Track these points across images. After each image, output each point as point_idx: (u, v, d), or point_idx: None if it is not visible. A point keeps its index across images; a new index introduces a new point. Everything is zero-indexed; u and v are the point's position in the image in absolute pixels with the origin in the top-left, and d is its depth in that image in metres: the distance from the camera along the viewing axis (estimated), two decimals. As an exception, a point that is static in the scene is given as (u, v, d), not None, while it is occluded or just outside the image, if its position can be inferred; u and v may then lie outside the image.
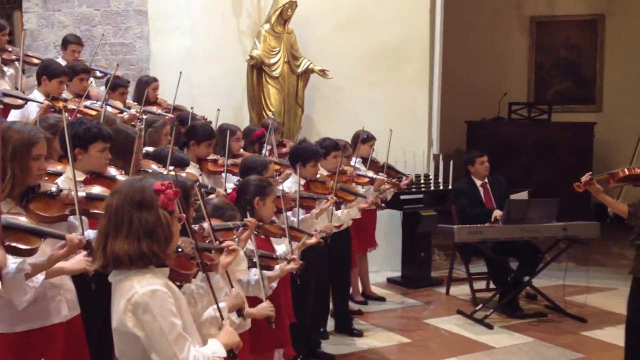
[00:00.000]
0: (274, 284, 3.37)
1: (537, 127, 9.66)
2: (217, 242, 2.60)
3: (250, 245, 3.03)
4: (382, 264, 6.96)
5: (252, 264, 3.00)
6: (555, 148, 9.42)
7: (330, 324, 5.28)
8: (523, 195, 5.75)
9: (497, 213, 5.72)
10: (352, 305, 5.82)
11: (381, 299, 6.18)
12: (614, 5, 10.08)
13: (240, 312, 2.60)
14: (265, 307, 2.90)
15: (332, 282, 5.15)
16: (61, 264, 2.48)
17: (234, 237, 2.84)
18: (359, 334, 5.22)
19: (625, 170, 3.87)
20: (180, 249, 2.19)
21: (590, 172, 4.04)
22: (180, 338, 1.97)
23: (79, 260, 2.49)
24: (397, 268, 6.85)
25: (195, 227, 2.63)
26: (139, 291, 1.95)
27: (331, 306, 5.28)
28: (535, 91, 10.61)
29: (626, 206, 3.85)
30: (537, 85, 10.60)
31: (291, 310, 4.06)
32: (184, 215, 2.11)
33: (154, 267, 2.02)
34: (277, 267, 3.22)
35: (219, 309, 2.23)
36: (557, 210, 5.63)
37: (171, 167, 3.38)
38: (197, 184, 3.68)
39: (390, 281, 6.79)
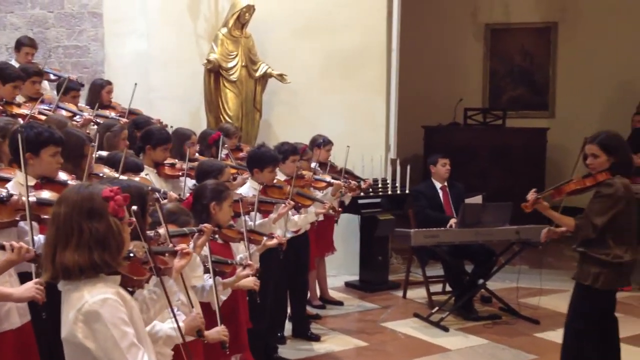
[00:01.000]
0: (229, 290, 3.35)
1: (492, 133, 9.82)
2: (172, 246, 2.58)
3: (205, 250, 3.01)
4: (340, 268, 6.98)
5: (206, 270, 2.98)
6: (510, 153, 9.59)
7: (288, 329, 5.27)
8: (477, 199, 5.84)
9: (452, 222, 5.81)
10: (310, 310, 5.83)
11: (339, 303, 6.20)
12: (567, 13, 10.33)
13: (199, 332, 2.58)
14: (219, 332, 2.87)
15: (290, 287, 5.15)
16: (9, 291, 2.43)
17: (190, 243, 2.81)
18: (317, 338, 5.22)
19: (571, 184, 3.88)
20: (132, 254, 2.16)
21: (535, 190, 4.01)
22: (132, 347, 1.94)
23: (28, 288, 2.44)
24: (355, 272, 6.89)
25: (151, 233, 2.60)
26: (89, 300, 1.91)
27: (289, 311, 5.29)
28: (490, 97, 10.80)
29: (572, 220, 3.87)
30: (492, 91, 10.79)
31: (247, 315, 4.05)
32: (134, 220, 2.08)
33: (105, 275, 1.99)
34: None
35: (173, 314, 2.20)
36: (510, 214, 5.74)
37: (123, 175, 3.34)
38: (150, 188, 3.67)
39: (348, 285, 6.82)
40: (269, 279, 4.43)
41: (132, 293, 2.12)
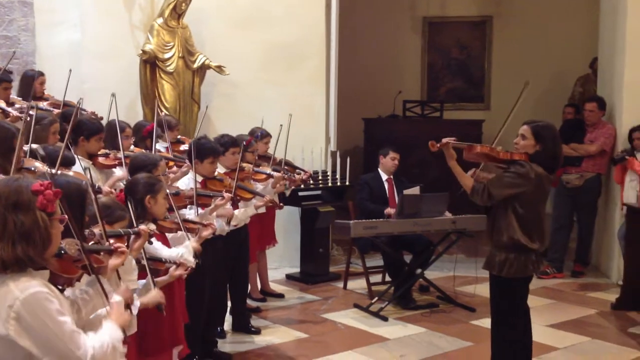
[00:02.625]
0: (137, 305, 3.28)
1: (430, 125, 9.96)
2: (108, 244, 2.53)
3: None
4: (281, 261, 6.99)
5: (141, 268, 2.94)
6: (447, 144, 9.75)
7: (229, 323, 5.25)
8: (415, 190, 5.93)
9: (389, 211, 5.88)
10: (251, 303, 5.81)
11: (280, 296, 6.20)
12: (502, 7, 10.58)
13: (128, 306, 2.54)
14: (155, 296, 2.86)
15: (230, 281, 5.11)
16: None
17: (125, 244, 2.76)
18: (257, 331, 5.21)
19: (486, 147, 3.80)
20: (63, 251, 2.11)
21: (454, 138, 3.92)
22: (73, 334, 1.92)
23: None
24: (296, 264, 6.90)
25: (86, 231, 2.54)
26: (20, 297, 1.86)
27: (229, 305, 5.25)
28: (428, 89, 10.97)
29: (472, 181, 3.83)
30: (429, 83, 10.97)
31: (184, 310, 4.01)
32: (66, 217, 2.03)
33: (32, 270, 1.94)
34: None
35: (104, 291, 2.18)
36: (447, 204, 5.86)
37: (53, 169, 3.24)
38: (92, 185, 3.58)
39: (289, 277, 6.83)
40: (206, 274, 4.40)
41: (61, 291, 2.07)
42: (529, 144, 3.79)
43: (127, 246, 2.65)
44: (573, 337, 5.21)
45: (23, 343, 1.87)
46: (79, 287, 2.27)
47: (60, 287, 2.06)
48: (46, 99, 5.90)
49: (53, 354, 1.89)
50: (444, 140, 3.89)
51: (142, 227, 2.86)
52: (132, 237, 2.78)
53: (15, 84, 6.02)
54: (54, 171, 3.13)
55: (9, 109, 4.91)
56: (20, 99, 5.40)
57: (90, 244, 2.44)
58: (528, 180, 3.73)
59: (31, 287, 1.89)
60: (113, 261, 2.42)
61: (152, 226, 3.39)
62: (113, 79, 6.87)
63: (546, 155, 3.78)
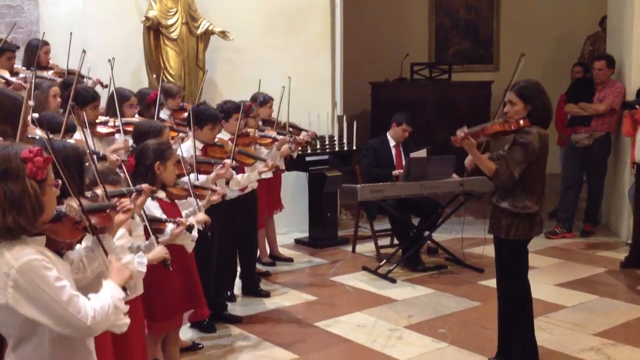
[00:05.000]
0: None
1: (438, 87, 9.90)
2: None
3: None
4: (290, 226, 7.01)
5: (142, 229, 2.96)
6: (456, 107, 9.70)
7: (239, 287, 5.29)
8: (422, 153, 5.90)
9: (397, 172, 5.87)
10: (260, 267, 5.86)
11: (289, 260, 6.24)
12: (510, -35, 10.40)
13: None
14: (159, 251, 2.90)
15: (239, 246, 5.15)
16: None
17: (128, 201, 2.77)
18: (267, 294, 5.26)
19: (496, 126, 3.79)
20: (62, 215, 2.10)
21: (467, 125, 3.88)
22: (73, 298, 1.92)
23: None
24: (305, 229, 6.93)
25: (88, 193, 2.55)
26: (15, 265, 1.87)
27: (239, 269, 5.29)
28: (436, 52, 10.85)
29: (494, 164, 3.79)
30: (437, 45, 10.85)
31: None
32: (59, 182, 2.02)
33: (27, 237, 1.94)
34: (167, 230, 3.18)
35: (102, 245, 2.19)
36: (454, 167, 5.83)
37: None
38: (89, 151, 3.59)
39: (298, 242, 6.86)
40: (214, 240, 4.43)
41: (61, 255, 2.08)
42: (520, 108, 3.73)
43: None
44: (581, 295, 5.23)
45: (22, 310, 1.88)
46: (84, 244, 2.28)
47: (60, 251, 2.07)
48: (51, 68, 5.89)
49: (54, 319, 1.90)
50: (459, 134, 3.80)
51: (144, 185, 2.88)
52: (134, 195, 2.79)
53: (21, 53, 6.01)
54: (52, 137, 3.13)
55: (12, 79, 4.91)
56: (25, 68, 5.39)
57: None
58: (535, 147, 3.69)
59: (25, 255, 1.89)
60: (119, 218, 2.43)
61: (162, 193, 3.41)
62: (117, 46, 6.83)
63: (539, 112, 3.73)
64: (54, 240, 2.06)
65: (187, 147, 4.34)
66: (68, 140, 3.31)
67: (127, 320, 2.12)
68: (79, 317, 1.91)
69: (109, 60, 4.98)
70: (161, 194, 3.38)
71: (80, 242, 2.20)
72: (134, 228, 2.85)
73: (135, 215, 2.85)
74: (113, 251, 2.35)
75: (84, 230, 2.17)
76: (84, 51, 4.17)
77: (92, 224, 2.19)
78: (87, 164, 2.53)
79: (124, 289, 2.11)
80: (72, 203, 2.16)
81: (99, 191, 2.57)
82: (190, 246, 3.46)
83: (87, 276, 2.23)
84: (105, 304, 1.99)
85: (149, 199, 3.12)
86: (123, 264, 2.20)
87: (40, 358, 1.96)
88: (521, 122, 3.74)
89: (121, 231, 2.46)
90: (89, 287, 2.18)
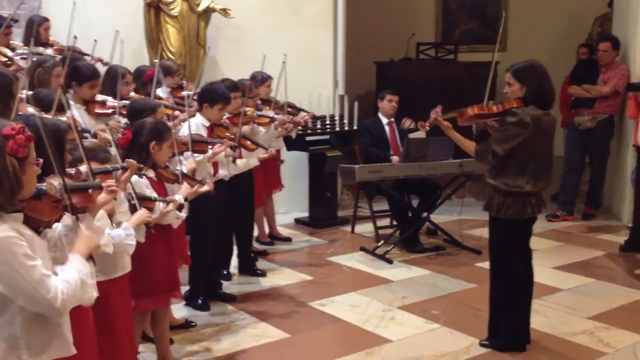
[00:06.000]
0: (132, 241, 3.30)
1: (444, 67, 9.81)
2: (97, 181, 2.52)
3: (129, 187, 2.98)
4: (290, 205, 7.02)
5: (130, 207, 2.96)
6: (461, 87, 9.57)
7: (235, 266, 5.31)
8: (421, 134, 5.84)
9: (394, 159, 5.84)
10: (258, 247, 5.87)
11: (287, 239, 6.25)
12: (519, -56, 10.24)
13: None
14: (141, 214, 2.94)
15: (235, 225, 5.15)
16: None
17: (113, 179, 2.77)
18: (262, 274, 5.27)
19: (475, 107, 3.80)
20: (42, 193, 2.10)
21: (440, 106, 3.96)
22: (43, 278, 1.92)
23: None
24: (305, 209, 6.93)
25: (71, 170, 2.55)
26: None
27: (235, 249, 5.31)
28: (442, 31, 10.74)
29: (473, 144, 3.83)
30: (444, 25, 10.74)
31: (186, 253, 4.07)
32: (41, 160, 2.03)
33: (4, 214, 1.94)
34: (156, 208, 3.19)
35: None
36: (453, 148, 5.78)
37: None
38: (80, 129, 3.59)
39: (298, 222, 6.87)
40: (210, 218, 4.45)
41: (39, 233, 2.09)
42: (516, 89, 3.76)
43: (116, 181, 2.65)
44: (578, 278, 5.21)
45: None
46: (63, 223, 2.28)
47: (38, 229, 2.07)
48: (51, 45, 5.87)
49: (23, 297, 1.91)
50: (432, 115, 3.93)
51: (131, 160, 2.88)
52: (120, 171, 2.80)
53: (21, 30, 5.99)
54: (45, 115, 3.13)
55: (16, 57, 4.90)
56: (22, 44, 5.37)
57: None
58: (524, 126, 3.68)
59: (0, 231, 1.89)
60: (102, 198, 2.41)
61: (151, 172, 3.41)
62: (119, 24, 6.79)
63: (534, 94, 3.72)
64: (32, 218, 2.06)
65: (194, 125, 4.32)
66: (62, 119, 3.32)
67: (95, 294, 2.12)
68: (48, 297, 1.92)
69: (116, 32, 4.92)
70: (150, 173, 3.38)
71: (58, 220, 2.20)
72: (119, 204, 2.86)
73: (120, 191, 2.85)
74: (98, 233, 2.35)
75: (64, 209, 2.18)
76: (75, 37, 4.13)
77: (73, 203, 2.19)
78: (76, 141, 2.53)
79: (92, 258, 2.10)
80: (53, 181, 2.16)
81: (82, 168, 2.57)
82: (176, 223, 3.47)
83: (65, 255, 2.23)
84: (72, 280, 2.00)
85: (138, 176, 3.13)
86: (92, 233, 2.18)
87: (12, 333, 1.97)
88: (507, 104, 3.74)
89: (101, 212, 2.45)
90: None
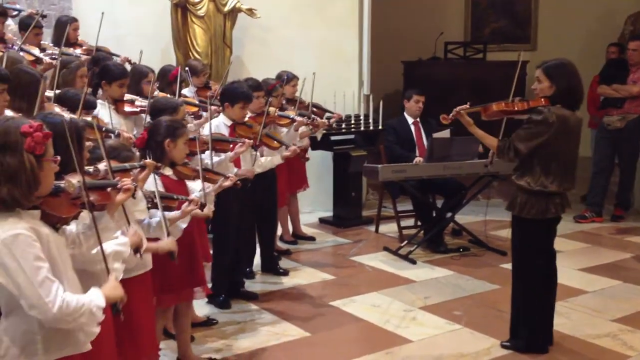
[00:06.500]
0: (183, 225, 3.37)
1: (473, 67, 9.72)
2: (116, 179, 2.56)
3: (152, 186, 3.02)
4: (314, 205, 7.04)
5: (153, 205, 2.99)
6: (490, 87, 9.46)
7: (258, 265, 5.34)
8: (445, 133, 5.83)
9: (418, 160, 5.81)
10: (282, 245, 5.90)
11: (311, 239, 6.27)
12: (550, -58, 10.10)
13: (137, 250, 2.60)
14: (167, 243, 2.90)
15: (258, 224, 5.18)
16: None
17: (131, 178, 2.81)
18: (285, 273, 5.29)
19: (501, 103, 3.80)
20: (60, 190, 2.15)
21: (469, 103, 3.96)
22: (45, 281, 1.94)
23: None
24: (329, 208, 6.94)
25: (90, 168, 2.59)
26: (2, 236, 1.91)
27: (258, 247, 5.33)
28: (472, 30, 10.65)
29: (496, 140, 3.82)
30: (473, 24, 10.63)
31: (207, 251, 4.11)
32: (58, 158, 2.07)
33: (22, 210, 1.98)
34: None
35: (102, 252, 2.21)
36: (478, 148, 5.74)
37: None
38: (104, 129, 3.65)
39: (322, 221, 6.88)
40: (232, 216, 4.48)
41: (57, 229, 2.13)
42: (545, 86, 3.72)
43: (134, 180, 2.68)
44: (604, 280, 5.14)
45: (0, 280, 1.94)
46: (82, 221, 2.32)
47: (55, 226, 2.11)
48: (80, 45, 5.96)
49: (23, 296, 1.94)
50: (455, 109, 3.93)
51: (148, 160, 2.91)
52: (138, 170, 2.83)
53: (51, 30, 6.10)
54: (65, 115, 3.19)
55: (41, 55, 4.99)
56: (52, 44, 5.47)
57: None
58: (549, 125, 3.64)
59: (15, 228, 1.93)
60: (119, 197, 2.44)
61: (168, 170, 3.45)
62: (146, 23, 6.92)
63: (562, 93, 3.67)
64: (49, 214, 2.11)
65: (216, 124, 4.35)
66: (87, 118, 3.38)
67: (97, 330, 2.13)
68: (46, 300, 1.93)
69: (140, 52, 5.04)
70: (168, 172, 3.41)
71: (76, 217, 2.24)
72: (136, 203, 2.88)
73: (138, 190, 2.88)
74: (109, 230, 2.38)
75: (81, 206, 2.22)
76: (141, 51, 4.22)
77: (90, 201, 2.23)
78: (99, 140, 2.57)
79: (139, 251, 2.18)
80: (72, 179, 2.20)
81: (101, 166, 2.61)
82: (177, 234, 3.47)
83: (83, 252, 2.27)
84: (80, 302, 2.00)
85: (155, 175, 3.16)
86: (119, 284, 2.19)
87: (28, 328, 2.01)
88: (532, 102, 3.71)
89: (123, 239, 2.47)
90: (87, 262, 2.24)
